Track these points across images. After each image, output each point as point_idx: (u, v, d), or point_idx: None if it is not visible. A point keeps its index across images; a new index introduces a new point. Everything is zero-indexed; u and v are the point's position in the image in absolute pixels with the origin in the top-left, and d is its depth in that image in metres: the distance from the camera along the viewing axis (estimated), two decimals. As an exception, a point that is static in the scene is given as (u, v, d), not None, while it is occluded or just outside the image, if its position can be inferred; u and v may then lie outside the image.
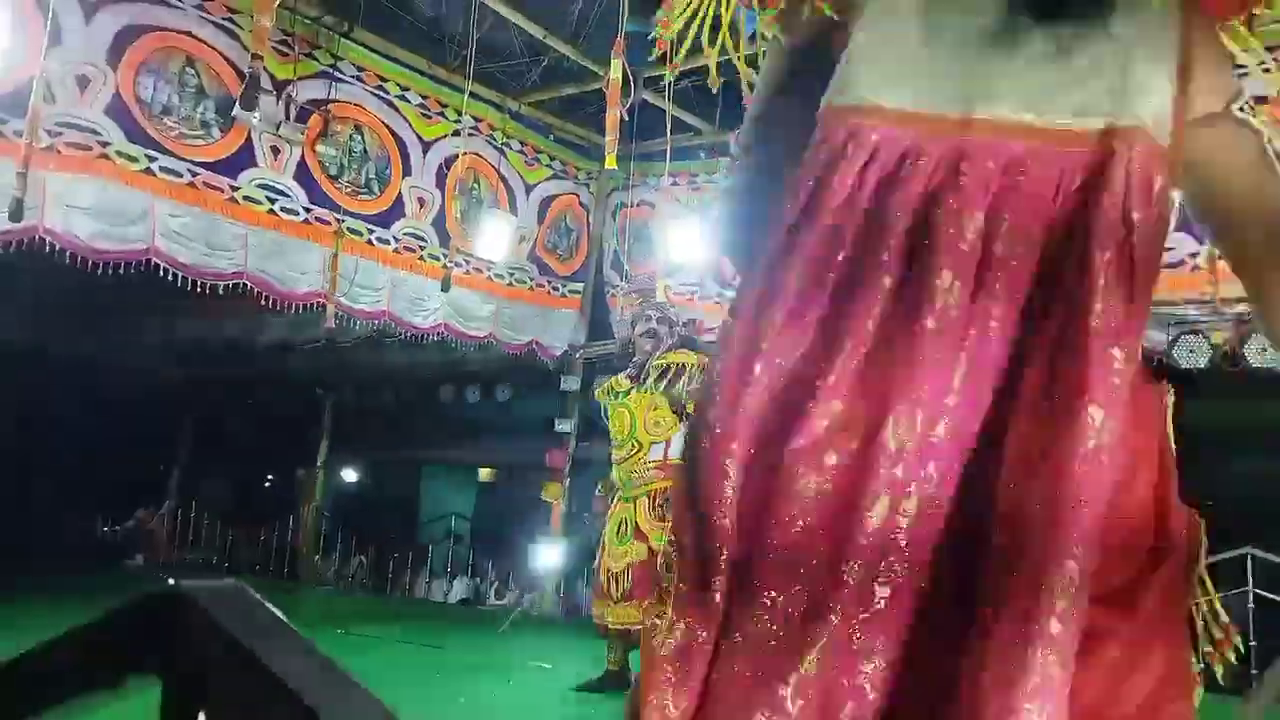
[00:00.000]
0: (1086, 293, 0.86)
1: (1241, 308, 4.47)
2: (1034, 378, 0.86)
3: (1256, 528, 5.01)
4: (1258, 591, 5.01)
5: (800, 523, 0.85)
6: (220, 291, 5.16)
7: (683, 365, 4.06)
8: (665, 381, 4.07)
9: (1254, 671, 3.32)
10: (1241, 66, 1.08)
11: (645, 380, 4.13)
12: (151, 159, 4.84)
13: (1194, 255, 4.77)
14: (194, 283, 5.01)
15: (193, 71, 5.02)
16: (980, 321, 0.87)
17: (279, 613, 0.52)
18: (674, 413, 4.06)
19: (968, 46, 0.95)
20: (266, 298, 5.37)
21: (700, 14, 1.16)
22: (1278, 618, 4.83)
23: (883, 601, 0.83)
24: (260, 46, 3.27)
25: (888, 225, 0.91)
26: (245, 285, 5.19)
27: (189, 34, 5.00)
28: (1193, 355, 4.84)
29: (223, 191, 5.12)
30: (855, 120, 0.95)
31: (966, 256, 0.88)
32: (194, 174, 5.00)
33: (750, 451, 0.88)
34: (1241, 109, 0.97)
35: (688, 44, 1.22)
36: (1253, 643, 4.15)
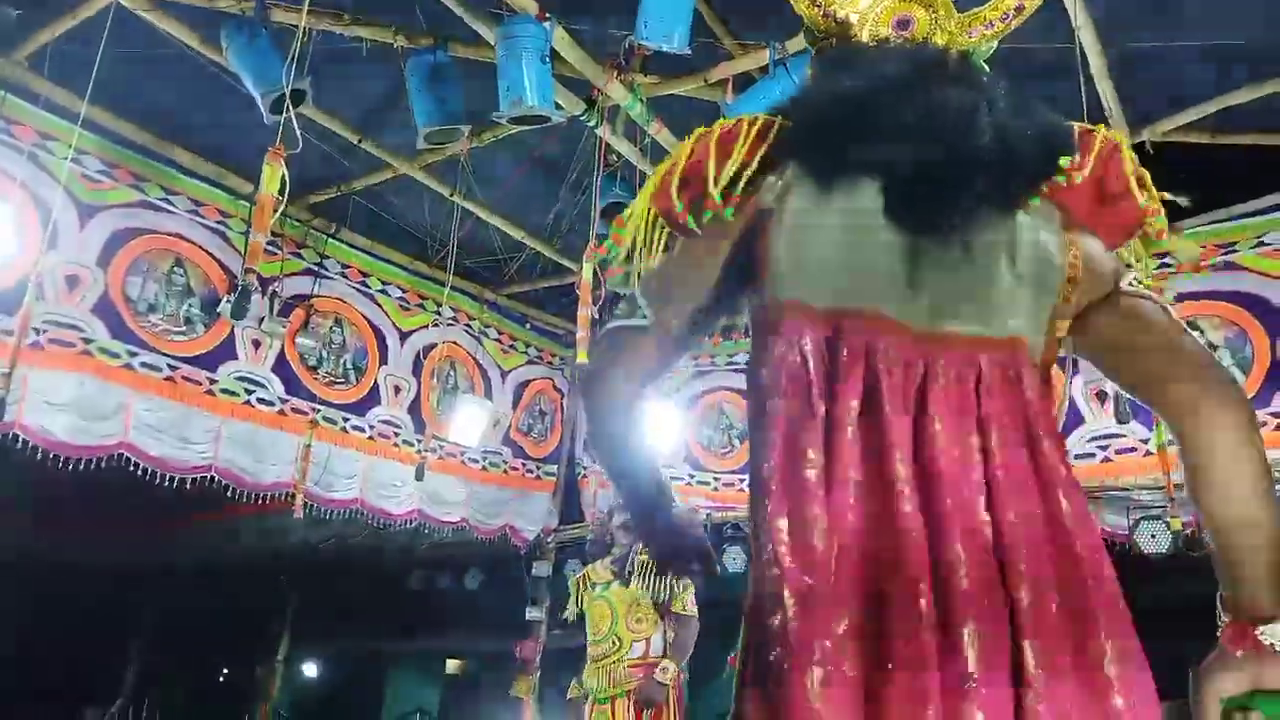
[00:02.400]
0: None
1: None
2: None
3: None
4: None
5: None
6: (189, 484, 5.13)
7: None
8: (653, 579, 4.04)
9: None
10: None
11: (629, 575, 4.11)
12: (133, 354, 4.94)
13: (1145, 441, 4.95)
14: (160, 477, 4.99)
15: (180, 271, 5.22)
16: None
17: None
18: (656, 611, 4.02)
19: (880, 256, 1.12)
20: (232, 491, 5.33)
21: (644, 235, 1.27)
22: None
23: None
24: (254, 261, 3.45)
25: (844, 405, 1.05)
26: (213, 479, 5.17)
27: (180, 236, 5.24)
28: (1154, 540, 4.92)
29: (201, 384, 5.20)
30: (795, 314, 1.11)
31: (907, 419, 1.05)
32: (174, 368, 5.10)
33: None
34: (1130, 283, 1.15)
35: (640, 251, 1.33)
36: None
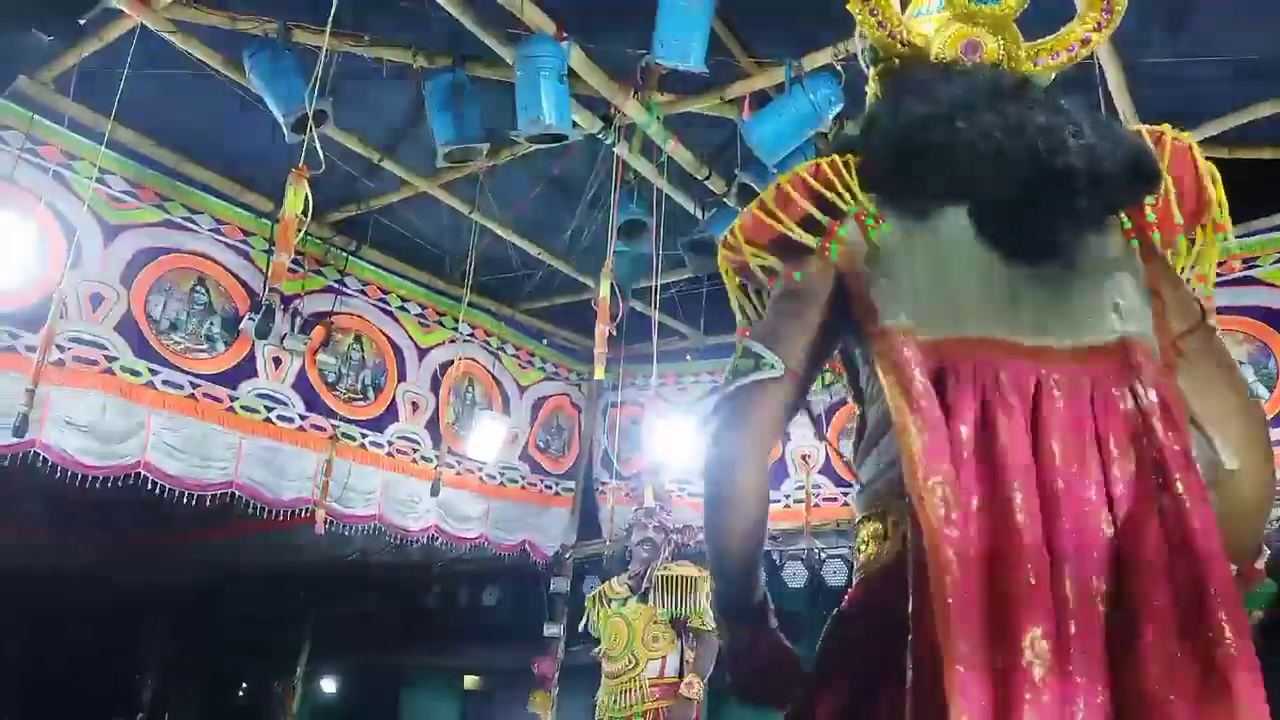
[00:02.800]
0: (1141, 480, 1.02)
1: None
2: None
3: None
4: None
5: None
6: (208, 502, 5.15)
7: (688, 579, 4.02)
8: (671, 596, 4.01)
9: None
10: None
11: (647, 593, 4.08)
12: (154, 372, 4.99)
13: None
14: (176, 495, 5.00)
15: (203, 290, 5.27)
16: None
17: None
18: (674, 629, 3.99)
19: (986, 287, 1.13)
20: (251, 507, 5.35)
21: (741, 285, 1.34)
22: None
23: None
24: (278, 280, 3.48)
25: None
26: (233, 495, 5.20)
27: (203, 255, 5.30)
28: None
29: (222, 402, 5.24)
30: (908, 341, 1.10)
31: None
32: (194, 385, 5.14)
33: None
34: (1213, 321, 1.18)
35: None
36: None
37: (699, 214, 5.31)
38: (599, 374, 4.59)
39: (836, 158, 1.22)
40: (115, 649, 11.96)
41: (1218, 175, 1.22)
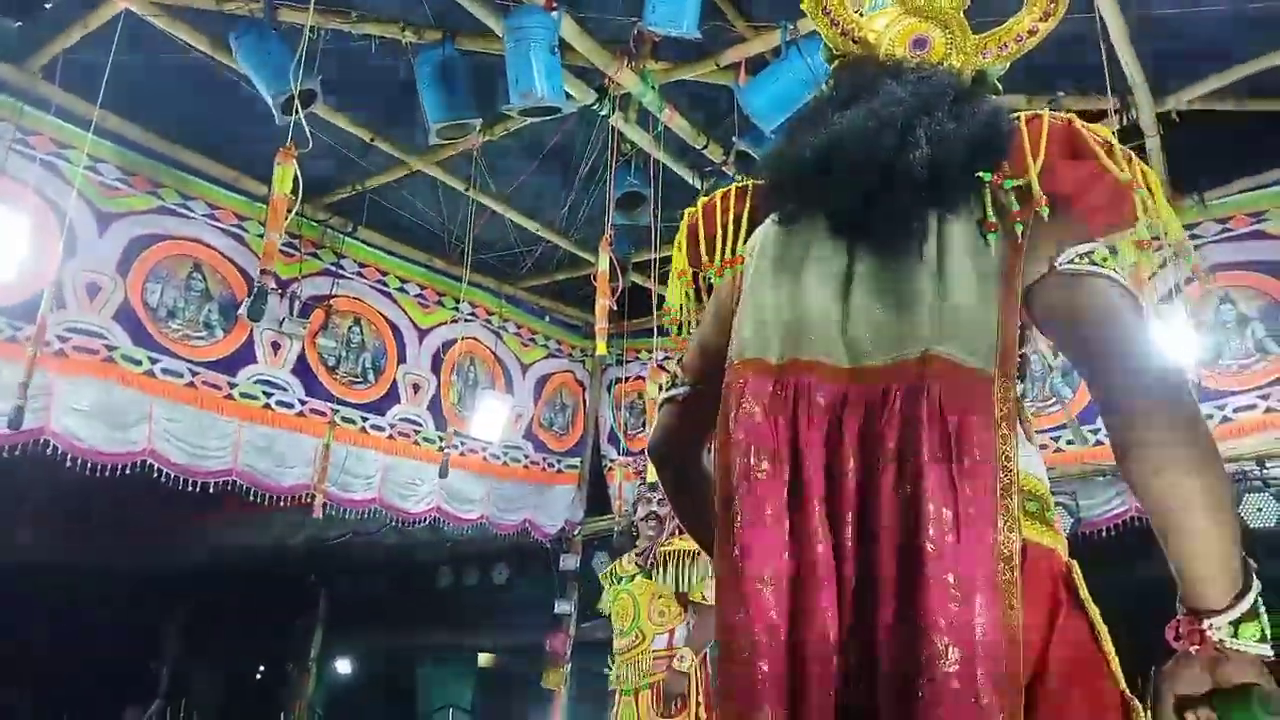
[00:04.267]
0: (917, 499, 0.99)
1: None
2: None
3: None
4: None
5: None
6: (210, 490, 5.14)
7: (689, 554, 4.02)
8: (674, 570, 4.02)
9: None
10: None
11: (652, 568, 4.09)
12: (154, 361, 4.96)
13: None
14: (184, 481, 5.00)
15: (199, 276, 5.24)
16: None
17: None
18: (679, 603, 4.00)
19: (813, 302, 1.15)
20: (253, 493, 5.34)
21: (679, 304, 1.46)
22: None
23: None
24: (269, 261, 3.45)
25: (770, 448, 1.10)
26: (234, 482, 5.18)
27: (198, 241, 5.25)
28: (1260, 514, 4.79)
29: (220, 389, 5.21)
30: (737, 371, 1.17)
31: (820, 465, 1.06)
32: (194, 373, 5.12)
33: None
34: (1070, 261, 1.07)
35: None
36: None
37: (697, 183, 5.25)
38: (601, 349, 4.55)
39: (734, 189, 1.39)
40: (131, 636, 12.08)
41: (1116, 147, 1.10)
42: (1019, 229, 1.07)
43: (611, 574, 4.37)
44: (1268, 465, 4.79)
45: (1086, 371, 1.04)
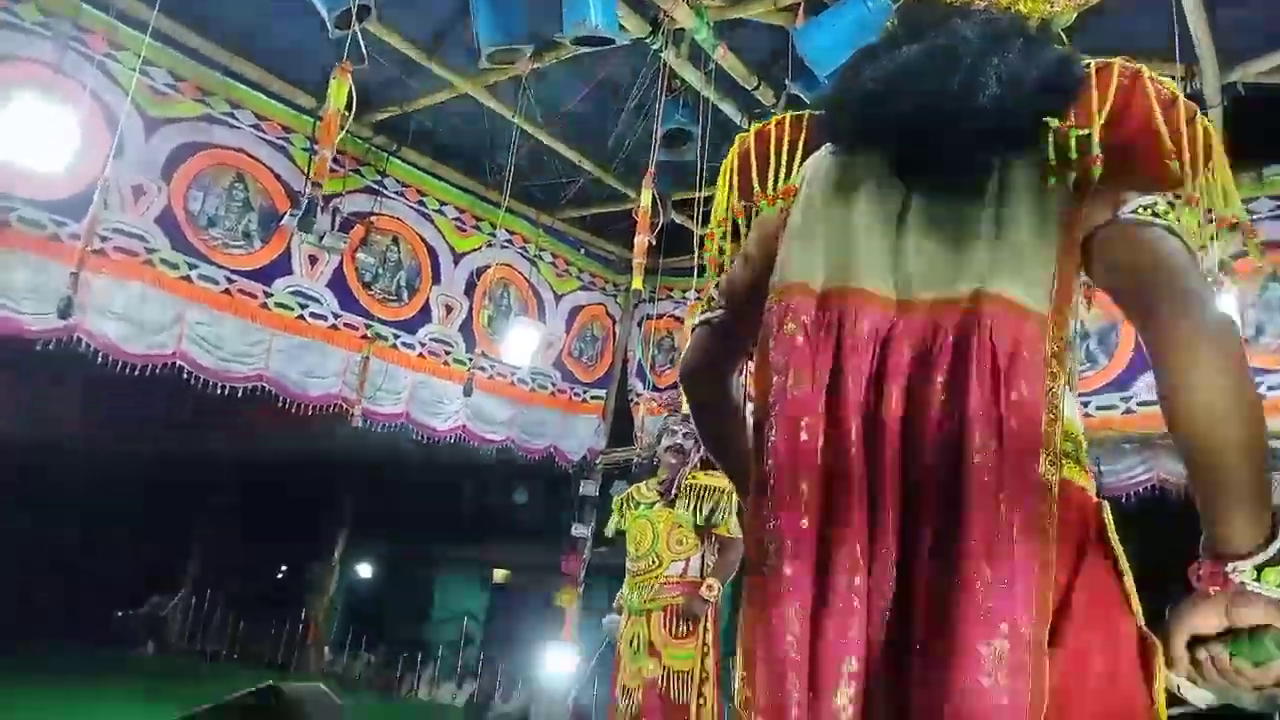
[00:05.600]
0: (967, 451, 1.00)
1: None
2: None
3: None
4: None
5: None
6: (240, 394, 5.26)
7: (718, 490, 4.09)
8: (698, 504, 4.10)
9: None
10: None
11: (675, 499, 4.16)
12: (192, 266, 5.04)
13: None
14: (212, 385, 5.12)
15: (241, 186, 5.27)
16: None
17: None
18: (698, 535, 4.08)
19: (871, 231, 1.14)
20: (281, 400, 5.46)
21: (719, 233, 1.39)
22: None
23: None
24: (320, 175, 3.47)
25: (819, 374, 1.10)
26: (263, 388, 5.29)
27: (242, 151, 5.28)
28: None
29: (256, 298, 5.29)
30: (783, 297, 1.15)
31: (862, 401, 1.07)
32: (230, 281, 5.19)
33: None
34: (1134, 211, 1.06)
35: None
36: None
37: (745, 125, 5.18)
38: (637, 284, 4.57)
39: (788, 116, 1.33)
40: (163, 528, 12.47)
41: (1181, 111, 1.07)
42: (1084, 176, 1.07)
43: (629, 498, 4.44)
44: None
45: (1139, 319, 1.03)
